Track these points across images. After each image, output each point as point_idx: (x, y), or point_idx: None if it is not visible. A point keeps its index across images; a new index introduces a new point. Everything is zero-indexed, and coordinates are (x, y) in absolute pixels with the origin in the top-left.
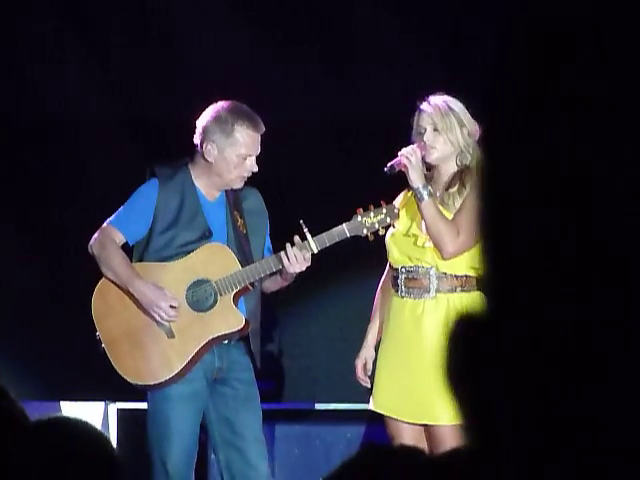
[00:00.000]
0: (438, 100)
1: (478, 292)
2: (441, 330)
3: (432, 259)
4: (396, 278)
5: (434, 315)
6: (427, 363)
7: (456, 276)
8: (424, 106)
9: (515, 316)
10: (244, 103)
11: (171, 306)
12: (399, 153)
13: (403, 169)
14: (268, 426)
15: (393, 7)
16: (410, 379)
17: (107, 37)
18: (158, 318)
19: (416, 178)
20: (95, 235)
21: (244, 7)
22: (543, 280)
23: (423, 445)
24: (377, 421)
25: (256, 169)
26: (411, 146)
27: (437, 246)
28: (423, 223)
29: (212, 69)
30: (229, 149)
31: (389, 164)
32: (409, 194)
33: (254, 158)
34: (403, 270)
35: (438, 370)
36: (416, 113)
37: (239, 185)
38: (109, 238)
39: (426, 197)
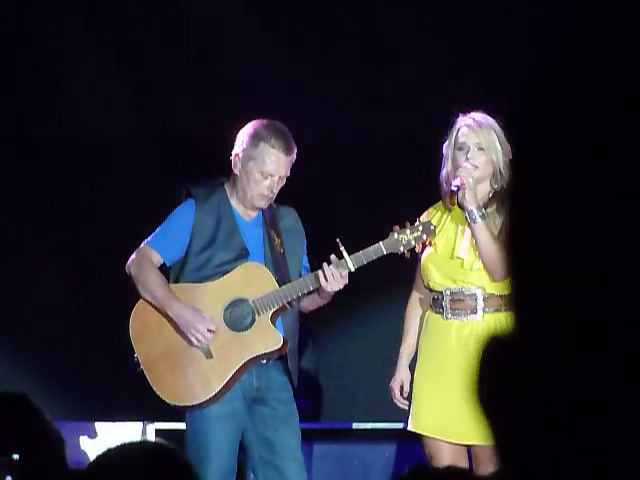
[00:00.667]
0: (481, 117)
1: None
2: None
3: (479, 281)
4: (438, 300)
5: (487, 334)
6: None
7: (501, 296)
8: (468, 122)
9: (542, 333)
10: (277, 119)
11: (209, 330)
12: (457, 172)
13: (461, 188)
14: (306, 445)
15: (427, 22)
16: (457, 399)
17: (141, 51)
18: (196, 341)
19: (471, 199)
20: (132, 256)
21: (280, 24)
22: (572, 299)
23: (463, 465)
24: (415, 441)
25: (276, 190)
26: (467, 165)
27: (490, 269)
28: (466, 244)
29: (247, 85)
30: (252, 163)
31: (454, 184)
32: (439, 213)
33: (277, 179)
34: (447, 292)
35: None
36: (456, 128)
37: (262, 204)
38: (147, 259)
39: (479, 219)
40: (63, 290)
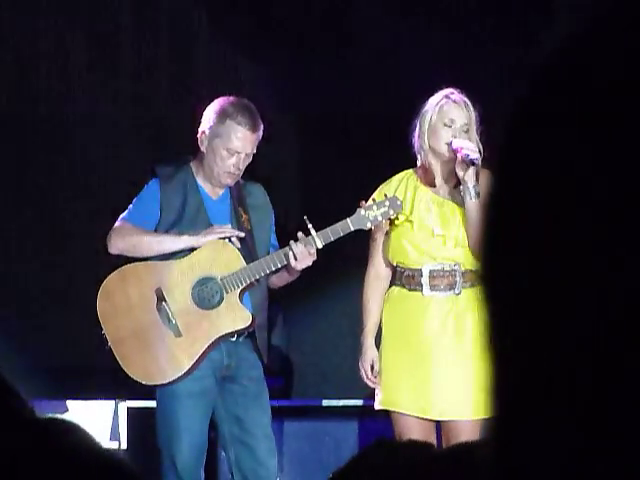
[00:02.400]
0: (463, 96)
1: None
2: (476, 323)
3: (458, 257)
4: (414, 277)
5: (465, 310)
6: (459, 357)
7: (473, 271)
8: (454, 97)
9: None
10: (246, 99)
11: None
12: (466, 146)
13: (467, 164)
14: (277, 423)
15: (396, 6)
16: (437, 375)
17: (117, 36)
18: (226, 234)
19: (474, 176)
20: (111, 234)
21: (248, 7)
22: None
23: (432, 441)
24: (386, 417)
25: (243, 167)
26: (470, 144)
27: (478, 245)
28: (440, 221)
29: (219, 69)
30: (217, 140)
31: (472, 157)
32: (401, 187)
33: (243, 156)
34: (427, 269)
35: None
36: (440, 102)
37: (229, 182)
38: (127, 227)
39: (476, 196)
40: (37, 266)
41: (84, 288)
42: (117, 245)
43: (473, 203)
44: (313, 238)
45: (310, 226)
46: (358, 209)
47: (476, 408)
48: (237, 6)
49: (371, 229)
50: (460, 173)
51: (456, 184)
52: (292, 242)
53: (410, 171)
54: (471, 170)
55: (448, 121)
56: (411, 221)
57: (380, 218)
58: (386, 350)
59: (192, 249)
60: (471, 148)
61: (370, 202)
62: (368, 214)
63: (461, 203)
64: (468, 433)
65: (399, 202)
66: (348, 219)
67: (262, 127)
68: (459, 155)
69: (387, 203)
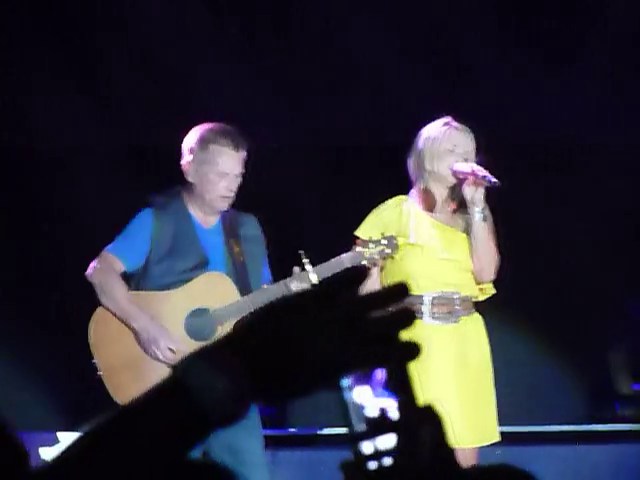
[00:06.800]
0: (464, 125)
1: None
2: (479, 351)
3: (461, 282)
4: (415, 305)
5: (465, 338)
6: (465, 383)
7: (469, 298)
8: (455, 124)
9: None
10: (242, 128)
11: (170, 348)
12: (477, 168)
13: (483, 185)
14: (271, 452)
15: (390, 32)
16: (439, 405)
17: (109, 67)
18: (154, 357)
19: (483, 198)
20: (94, 264)
21: (244, 36)
22: None
23: None
24: None
25: (235, 188)
26: (480, 168)
27: (483, 268)
28: (446, 245)
29: (213, 95)
30: (205, 166)
31: (493, 180)
32: (405, 217)
33: (232, 177)
34: (428, 296)
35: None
36: (443, 128)
37: (223, 206)
38: (110, 267)
39: (484, 219)
40: (23, 297)
41: (75, 318)
42: (94, 277)
43: (482, 225)
44: (308, 274)
45: (305, 261)
46: (354, 246)
47: (475, 436)
48: (225, 32)
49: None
50: (469, 195)
51: (455, 209)
52: (287, 279)
53: (403, 197)
54: (481, 192)
55: (451, 146)
56: (412, 245)
57: (377, 256)
58: None
59: (187, 279)
60: (487, 171)
61: (367, 239)
62: (364, 252)
63: (461, 228)
64: (467, 460)
65: (395, 241)
66: (344, 255)
67: (246, 146)
68: (472, 177)
69: (384, 242)
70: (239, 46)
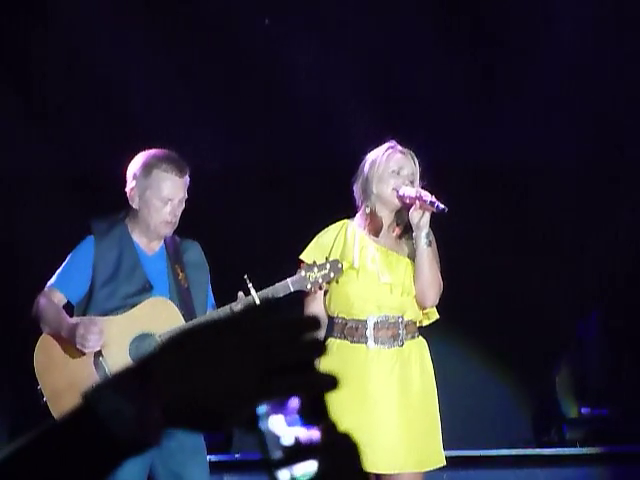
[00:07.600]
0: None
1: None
2: (423, 375)
3: (400, 307)
4: (357, 329)
5: (408, 362)
6: (410, 407)
7: (414, 322)
8: (399, 148)
9: None
10: (183, 152)
11: (93, 332)
12: (424, 193)
13: (429, 210)
14: (216, 478)
15: (337, 55)
16: (383, 429)
17: (45, 91)
18: (87, 347)
19: (428, 223)
20: (37, 299)
21: (183, 58)
22: None
23: None
24: None
25: (178, 213)
26: (420, 189)
27: (425, 293)
28: (387, 269)
29: (153, 120)
30: (148, 192)
31: (441, 206)
32: (340, 237)
33: (176, 202)
34: (371, 320)
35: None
36: (387, 152)
37: (167, 231)
38: (47, 298)
39: (429, 243)
40: None
41: (21, 346)
42: (34, 311)
43: (426, 250)
44: (253, 298)
45: (250, 286)
46: (299, 270)
47: (419, 460)
48: (167, 56)
49: (311, 290)
50: (416, 219)
51: (400, 234)
52: (233, 303)
53: (347, 221)
54: (427, 217)
55: (397, 168)
56: (355, 269)
57: (320, 280)
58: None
59: (131, 304)
60: (433, 196)
61: (311, 263)
62: (309, 275)
63: (405, 253)
64: None
65: (340, 265)
66: (289, 280)
67: (188, 171)
68: (419, 202)
69: (328, 266)
70: (180, 69)
